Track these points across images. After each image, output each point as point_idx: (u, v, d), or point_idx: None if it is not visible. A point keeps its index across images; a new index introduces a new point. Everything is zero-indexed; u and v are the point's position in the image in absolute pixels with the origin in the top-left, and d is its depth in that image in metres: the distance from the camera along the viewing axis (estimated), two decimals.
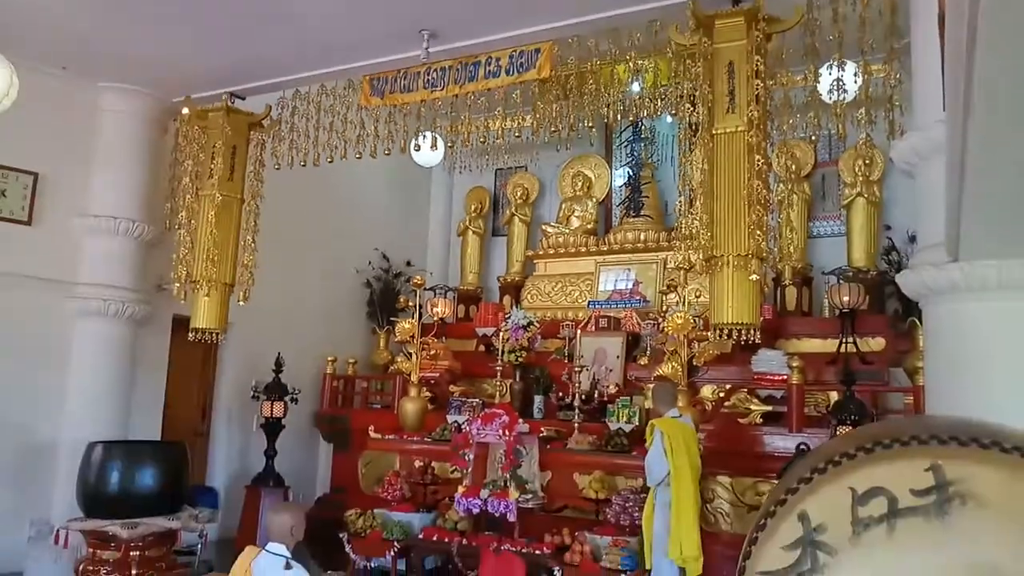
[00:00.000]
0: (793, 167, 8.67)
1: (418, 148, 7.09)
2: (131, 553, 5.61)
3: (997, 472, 1.16)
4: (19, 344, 6.78)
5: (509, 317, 8.14)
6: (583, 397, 7.52)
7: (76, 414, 6.86)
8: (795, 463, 2.18)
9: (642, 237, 9.42)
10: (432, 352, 8.79)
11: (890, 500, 1.20)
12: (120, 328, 7.18)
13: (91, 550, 5.69)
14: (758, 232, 4.35)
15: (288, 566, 4.25)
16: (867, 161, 7.35)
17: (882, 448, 1.20)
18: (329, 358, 9.28)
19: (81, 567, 5.65)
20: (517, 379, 8.20)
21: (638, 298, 9.14)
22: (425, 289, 8.74)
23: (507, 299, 10.27)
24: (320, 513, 8.24)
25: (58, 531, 5.86)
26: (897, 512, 1.19)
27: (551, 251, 10.06)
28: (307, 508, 8.49)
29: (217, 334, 6.77)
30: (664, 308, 7.60)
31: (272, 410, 8.19)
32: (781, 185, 8.65)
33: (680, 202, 4.91)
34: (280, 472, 8.29)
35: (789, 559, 1.24)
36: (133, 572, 5.58)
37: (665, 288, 7.86)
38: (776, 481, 5.10)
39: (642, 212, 9.65)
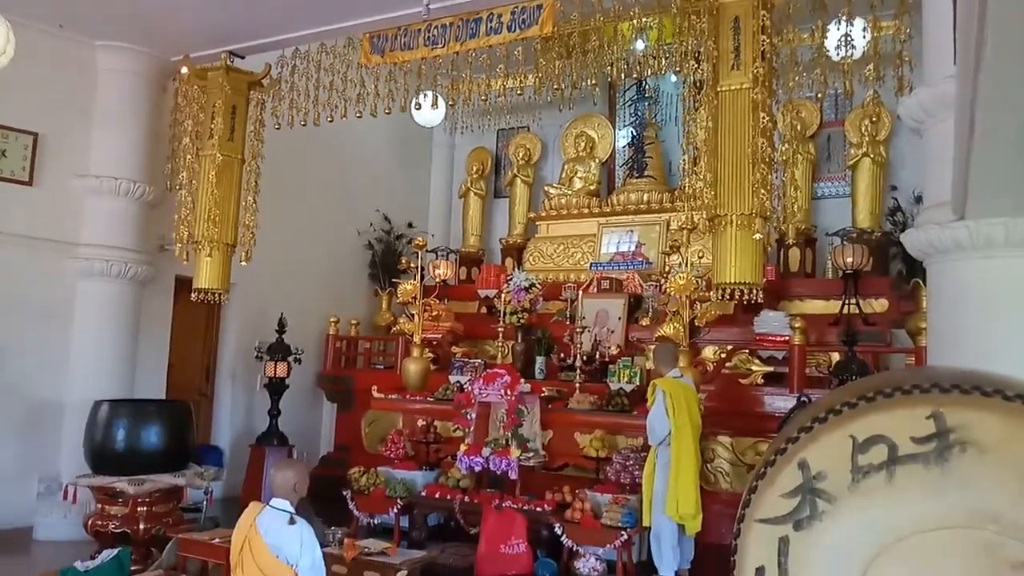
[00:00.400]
0: (798, 127, 8.56)
1: (419, 107, 7.02)
2: (138, 508, 5.69)
3: (999, 419, 1.15)
4: (24, 304, 6.80)
5: (511, 279, 8.13)
6: (584, 358, 7.55)
7: (81, 373, 6.91)
8: (796, 414, 2.18)
9: (645, 198, 9.37)
10: (434, 313, 8.81)
11: (890, 447, 1.20)
12: (123, 288, 7.19)
13: (99, 505, 5.77)
14: (762, 191, 4.32)
15: (292, 521, 4.30)
16: (874, 118, 7.25)
17: (883, 397, 1.20)
18: (332, 319, 9.31)
19: (90, 522, 5.74)
20: (519, 340, 8.21)
21: (640, 260, 9.12)
22: (427, 251, 8.72)
23: (509, 261, 10.26)
24: (324, 472, 8.35)
25: (67, 487, 5.94)
26: (897, 459, 1.19)
27: (553, 213, 10.02)
28: (311, 467, 8.62)
29: (220, 294, 6.78)
30: (666, 269, 7.58)
31: (276, 370, 8.24)
32: (786, 145, 8.56)
33: (684, 161, 4.85)
34: (284, 431, 8.38)
35: (788, 506, 1.25)
36: (141, 527, 5.66)
37: (668, 249, 7.83)
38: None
39: (645, 173, 9.59)
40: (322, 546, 4.50)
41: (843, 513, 1.21)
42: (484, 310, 9.61)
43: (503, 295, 8.04)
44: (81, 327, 7.03)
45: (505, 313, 7.93)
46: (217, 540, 5.23)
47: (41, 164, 6.94)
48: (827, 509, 1.22)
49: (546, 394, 7.04)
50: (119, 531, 5.61)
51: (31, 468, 6.73)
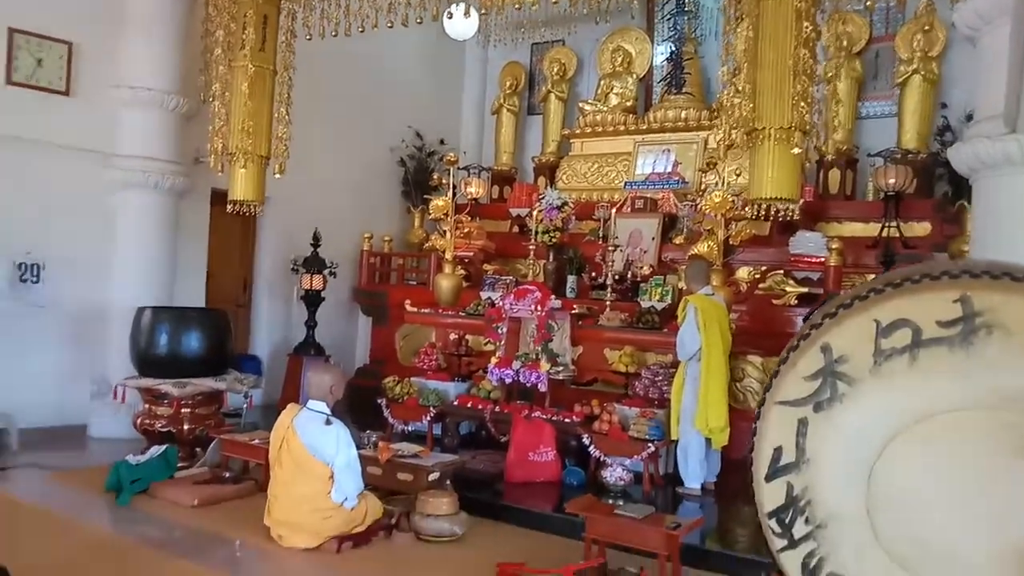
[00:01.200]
0: (845, 42, 8.25)
1: (451, 16, 6.85)
2: (182, 410, 5.94)
3: None
4: (69, 214, 6.96)
5: (543, 197, 8.08)
6: (616, 277, 7.56)
7: (124, 281, 7.11)
8: (823, 305, 2.18)
9: (683, 116, 9.16)
10: (466, 230, 8.84)
11: (914, 331, 1.20)
12: (160, 200, 7.30)
13: (146, 406, 6.04)
14: (802, 104, 4.19)
15: (328, 422, 4.48)
16: (927, 27, 6.91)
17: (911, 283, 1.20)
18: (365, 235, 9.40)
19: (138, 420, 6.01)
20: (550, 259, 8.22)
21: (677, 179, 8.98)
22: (459, 168, 8.68)
23: (542, 180, 10.19)
24: (360, 382, 8.60)
25: (116, 388, 6.20)
26: (920, 343, 1.20)
27: (588, 130, 9.85)
28: (348, 377, 8.87)
29: (254, 206, 6.85)
30: (702, 188, 7.47)
31: (311, 283, 8.41)
32: (832, 61, 8.27)
33: (723, 72, 4.71)
34: (321, 343, 8.60)
35: (809, 389, 1.27)
36: (185, 427, 5.92)
37: (704, 166, 7.68)
38: None
39: (684, 89, 9.33)
40: (358, 448, 4.69)
41: (863, 395, 1.23)
42: (516, 229, 9.60)
43: (535, 213, 8.01)
44: (123, 237, 7.19)
45: (537, 232, 7.92)
46: (257, 441, 5.48)
47: (77, 74, 6.98)
48: (848, 391, 1.24)
49: (577, 311, 7.09)
50: (165, 430, 5.88)
51: (84, 370, 7.03)
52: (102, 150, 7.10)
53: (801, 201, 7.42)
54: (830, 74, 8.11)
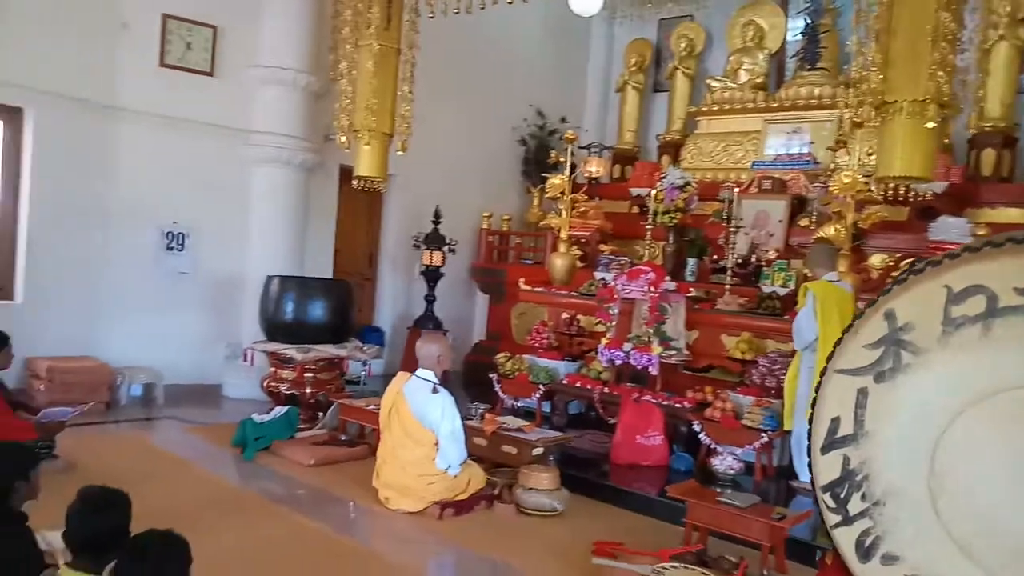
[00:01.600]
0: (1007, 8, 7.49)
1: None
2: (305, 374, 6.29)
3: None
4: (211, 188, 7.49)
5: (665, 177, 7.88)
6: (739, 261, 7.29)
7: (258, 252, 7.59)
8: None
9: (816, 92, 8.65)
10: (582, 210, 8.78)
11: (989, 298, 1.08)
12: (292, 175, 7.72)
13: (273, 369, 6.43)
14: (940, 74, 3.84)
15: (435, 391, 4.61)
16: None
17: (991, 248, 1.08)
18: (485, 214, 9.54)
19: (265, 382, 6.42)
20: (670, 241, 8.02)
21: (808, 159, 8.52)
22: (579, 147, 8.61)
23: (665, 159, 9.95)
24: (476, 358, 8.78)
25: (245, 351, 6.64)
26: (996, 311, 1.08)
27: (715, 107, 9.51)
28: (464, 353, 9.08)
29: (378, 183, 7.08)
30: (832, 168, 7.05)
31: (432, 259, 8.63)
32: (991, 31, 7.54)
33: (853, 42, 4.39)
34: (439, 317, 8.83)
35: (870, 357, 1.18)
36: (307, 390, 6.27)
37: (834, 145, 7.24)
38: None
39: (818, 65, 8.82)
40: (466, 419, 4.81)
41: (929, 367, 1.12)
42: (636, 209, 9.43)
43: (655, 193, 7.83)
44: (257, 210, 7.67)
45: (656, 212, 7.75)
46: (373, 407, 5.70)
47: (220, 56, 7.48)
48: (912, 362, 1.13)
49: (693, 294, 6.90)
50: (289, 392, 6.24)
51: (220, 334, 7.59)
52: (241, 127, 7.58)
53: (947, 184, 6.93)
54: (991, 42, 7.39)
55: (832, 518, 1.61)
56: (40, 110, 6.65)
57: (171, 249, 7.33)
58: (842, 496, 1.51)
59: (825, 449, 1.45)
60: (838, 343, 1.23)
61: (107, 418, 6.23)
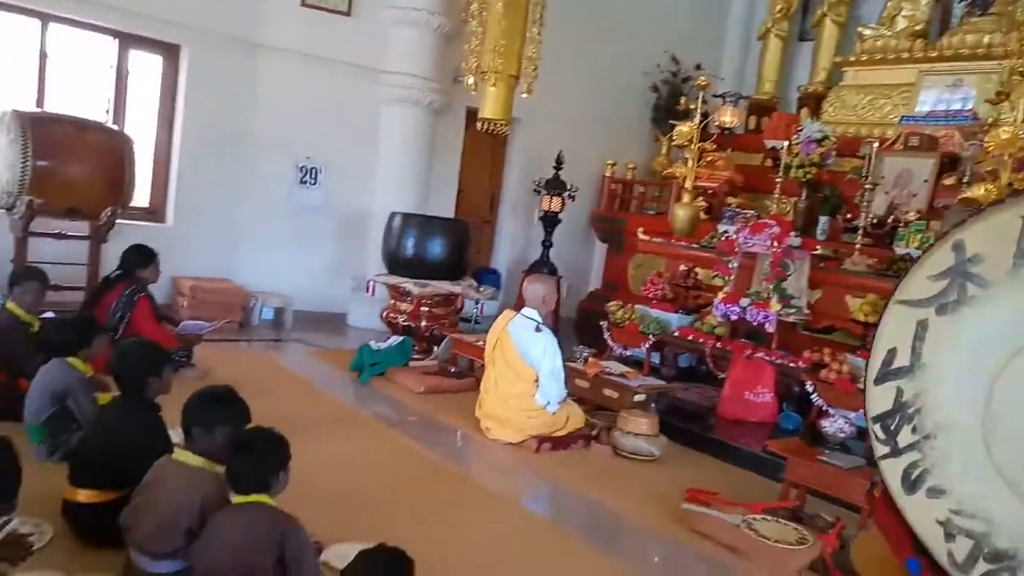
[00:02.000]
0: None
1: None
2: (421, 308, 6.54)
3: None
4: (343, 125, 7.80)
5: (802, 129, 7.47)
6: (873, 221, 6.85)
7: (384, 188, 7.88)
8: None
9: (985, 41, 7.89)
10: (712, 160, 8.49)
11: None
12: (421, 115, 7.90)
13: (392, 301, 6.72)
14: None
15: (538, 329, 4.68)
16: None
17: None
18: (608, 161, 9.41)
19: (384, 313, 6.73)
20: (803, 197, 7.64)
21: (968, 114, 7.82)
22: (714, 96, 8.29)
23: (804, 111, 9.40)
24: (590, 306, 8.79)
25: (368, 283, 6.96)
26: None
27: (864, 57, 8.88)
28: (579, 300, 9.10)
29: (503, 125, 7.12)
30: (991, 122, 6.44)
31: (551, 204, 8.63)
32: None
33: None
34: (555, 263, 8.87)
35: (934, 289, 1.10)
36: (423, 323, 6.53)
37: (995, 97, 6.60)
38: None
39: (990, 10, 8.01)
40: (570, 361, 4.86)
41: (996, 300, 1.03)
42: (769, 162, 9.02)
43: (790, 146, 7.45)
44: (386, 148, 7.93)
45: (790, 166, 7.38)
46: (482, 343, 5.87)
47: None
48: (978, 295, 1.05)
49: (819, 252, 6.57)
50: (406, 324, 6.52)
51: (347, 266, 7.98)
52: (374, 67, 7.80)
53: None
54: None
55: (881, 449, 1.55)
56: (194, 47, 7.12)
57: (304, 183, 7.73)
58: (892, 428, 1.44)
59: (879, 380, 1.38)
60: (902, 274, 1.16)
61: (240, 336, 6.74)
